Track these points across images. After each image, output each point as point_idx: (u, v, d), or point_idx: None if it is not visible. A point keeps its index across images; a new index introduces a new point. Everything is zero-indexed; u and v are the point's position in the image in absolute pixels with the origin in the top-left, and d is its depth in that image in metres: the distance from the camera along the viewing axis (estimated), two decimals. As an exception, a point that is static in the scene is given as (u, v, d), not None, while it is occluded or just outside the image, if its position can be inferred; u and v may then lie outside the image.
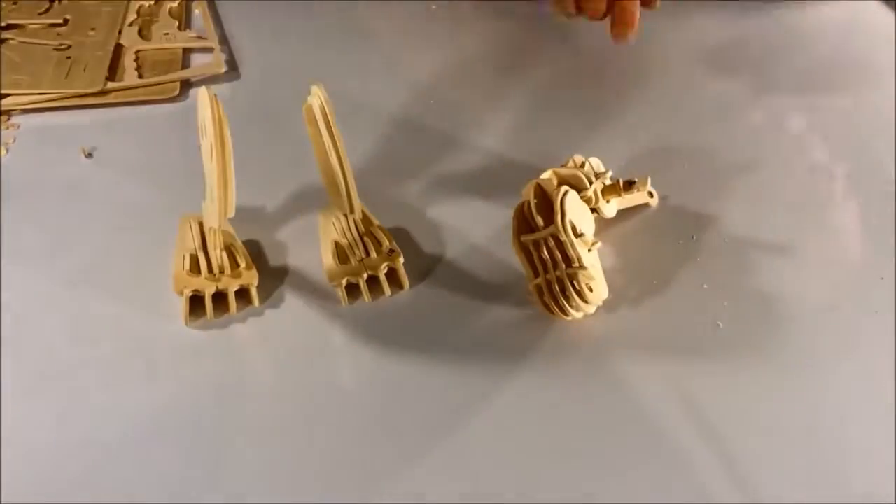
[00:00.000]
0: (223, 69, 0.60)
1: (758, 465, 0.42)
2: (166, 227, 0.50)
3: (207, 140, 0.44)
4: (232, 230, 0.49)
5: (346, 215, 0.50)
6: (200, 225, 0.49)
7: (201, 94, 0.44)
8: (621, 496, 0.41)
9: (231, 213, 0.46)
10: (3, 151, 0.55)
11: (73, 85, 0.58)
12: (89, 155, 0.55)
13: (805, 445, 0.43)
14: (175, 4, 0.65)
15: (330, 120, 0.46)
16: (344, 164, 0.47)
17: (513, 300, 0.49)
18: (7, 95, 0.57)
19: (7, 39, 0.60)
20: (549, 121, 0.61)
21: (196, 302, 0.47)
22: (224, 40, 0.63)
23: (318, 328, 0.47)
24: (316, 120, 0.46)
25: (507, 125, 0.60)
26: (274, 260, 0.50)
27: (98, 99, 0.58)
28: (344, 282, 0.48)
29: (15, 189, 0.53)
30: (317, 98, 0.46)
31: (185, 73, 0.60)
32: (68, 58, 0.60)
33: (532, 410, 0.44)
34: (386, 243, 0.49)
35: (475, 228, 0.53)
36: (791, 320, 0.49)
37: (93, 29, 0.62)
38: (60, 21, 0.62)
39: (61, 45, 0.61)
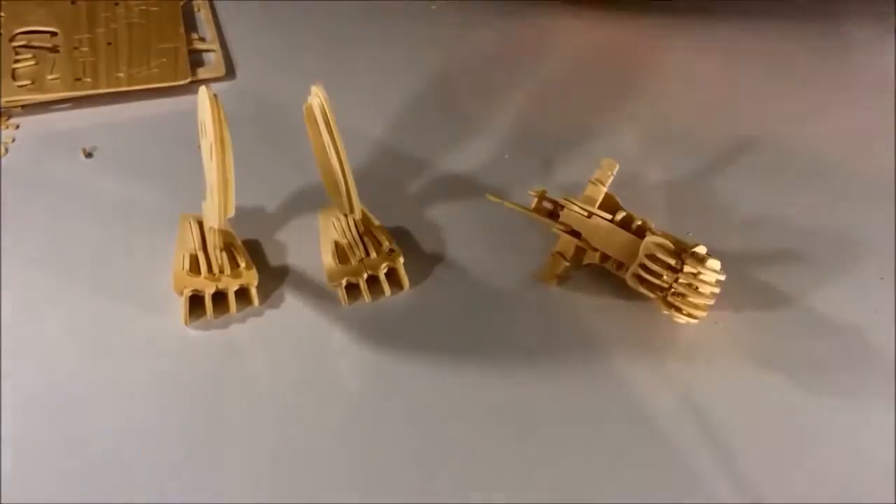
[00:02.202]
0: (223, 72, 0.60)
1: (758, 465, 0.42)
2: (166, 227, 0.50)
3: (208, 140, 0.44)
4: (232, 230, 0.49)
5: (346, 215, 0.50)
6: (200, 225, 0.49)
7: (202, 94, 0.44)
8: (621, 496, 0.41)
9: (231, 213, 0.46)
10: (3, 151, 0.55)
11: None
12: (89, 155, 0.55)
13: (805, 445, 0.44)
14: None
15: (330, 120, 0.46)
16: (344, 164, 0.47)
17: (512, 300, 0.49)
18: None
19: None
20: (548, 120, 0.61)
21: (196, 301, 0.47)
22: (224, 40, 0.63)
23: (318, 328, 0.47)
24: (316, 120, 0.46)
25: (507, 125, 0.60)
26: (274, 260, 0.50)
27: (111, 87, 0.58)
28: (344, 282, 0.48)
29: (15, 189, 0.53)
30: (317, 98, 0.46)
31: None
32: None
33: (531, 410, 0.44)
34: (386, 243, 0.49)
35: (475, 228, 0.53)
36: (790, 320, 0.49)
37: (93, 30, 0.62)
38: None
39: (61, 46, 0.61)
